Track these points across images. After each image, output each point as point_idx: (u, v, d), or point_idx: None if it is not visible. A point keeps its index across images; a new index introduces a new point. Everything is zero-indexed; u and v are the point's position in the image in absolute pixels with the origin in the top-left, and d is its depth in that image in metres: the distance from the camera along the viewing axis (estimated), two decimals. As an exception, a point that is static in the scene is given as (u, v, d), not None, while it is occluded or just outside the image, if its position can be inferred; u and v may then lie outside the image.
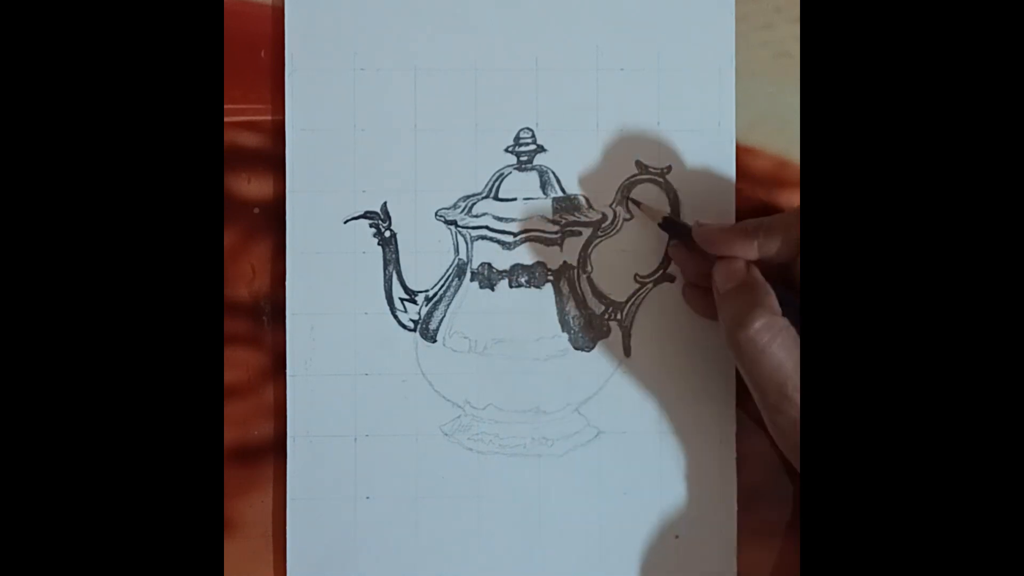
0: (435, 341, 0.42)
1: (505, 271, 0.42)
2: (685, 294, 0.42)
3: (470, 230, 0.42)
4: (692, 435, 0.42)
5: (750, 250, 0.38)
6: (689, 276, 0.41)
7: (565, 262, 0.42)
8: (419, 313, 0.42)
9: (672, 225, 0.41)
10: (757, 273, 0.38)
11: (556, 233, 0.42)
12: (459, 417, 0.42)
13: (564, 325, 0.42)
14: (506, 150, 0.42)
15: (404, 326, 0.42)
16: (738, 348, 0.37)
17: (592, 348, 0.42)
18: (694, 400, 0.42)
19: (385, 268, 0.42)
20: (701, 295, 0.41)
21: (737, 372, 0.42)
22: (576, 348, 0.42)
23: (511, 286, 0.42)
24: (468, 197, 0.42)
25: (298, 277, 0.42)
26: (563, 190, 0.42)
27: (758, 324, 0.36)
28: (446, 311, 0.42)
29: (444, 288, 0.42)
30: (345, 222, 0.42)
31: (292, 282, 0.42)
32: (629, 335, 0.42)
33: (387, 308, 0.42)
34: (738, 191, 0.43)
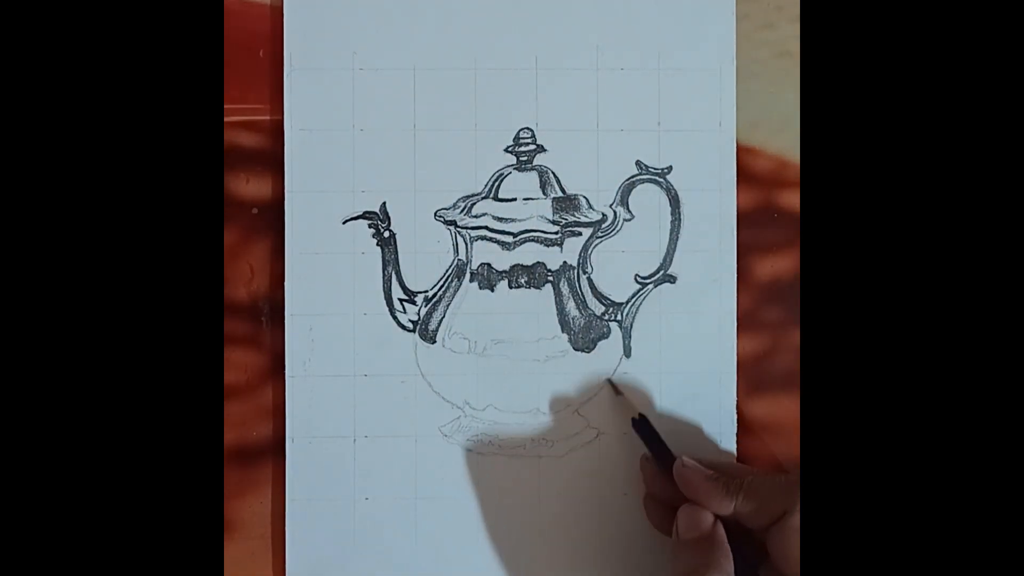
0: (434, 342, 0.42)
1: (505, 271, 0.42)
2: (645, 504, 0.40)
3: (470, 230, 0.42)
4: (692, 435, 0.42)
5: (726, 507, 0.37)
6: (652, 489, 0.40)
7: (565, 262, 0.42)
8: (418, 314, 0.42)
9: (643, 429, 0.40)
10: (721, 532, 0.36)
11: (556, 233, 0.42)
12: (458, 418, 0.42)
13: (564, 326, 0.42)
14: (506, 150, 0.42)
15: (403, 327, 0.42)
16: None
17: (592, 349, 0.42)
18: (694, 400, 0.42)
19: (384, 268, 0.42)
20: (663, 511, 0.40)
21: (738, 372, 0.42)
22: (576, 349, 0.42)
23: (511, 287, 0.42)
24: (468, 197, 0.42)
25: (297, 277, 0.42)
26: (563, 190, 0.42)
27: None
28: (445, 312, 0.42)
29: (443, 289, 0.42)
30: (344, 222, 0.42)
31: (291, 282, 0.42)
32: (629, 335, 0.42)
33: (386, 309, 0.42)
34: (739, 191, 0.43)
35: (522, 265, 0.42)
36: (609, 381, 0.42)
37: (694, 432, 0.42)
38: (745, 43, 0.43)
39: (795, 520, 0.35)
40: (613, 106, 0.42)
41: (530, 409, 0.42)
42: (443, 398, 0.42)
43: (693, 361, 0.42)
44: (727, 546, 0.36)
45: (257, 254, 0.42)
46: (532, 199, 0.42)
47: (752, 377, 0.43)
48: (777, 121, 0.43)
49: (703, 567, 0.35)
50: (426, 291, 0.42)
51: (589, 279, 0.42)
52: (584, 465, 0.42)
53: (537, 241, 0.42)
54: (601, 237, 0.42)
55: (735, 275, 0.42)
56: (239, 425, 0.42)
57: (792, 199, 0.43)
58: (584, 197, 0.42)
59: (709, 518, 0.37)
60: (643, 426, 0.40)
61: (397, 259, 0.42)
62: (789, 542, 0.35)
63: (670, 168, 0.42)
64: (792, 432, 0.43)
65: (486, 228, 0.42)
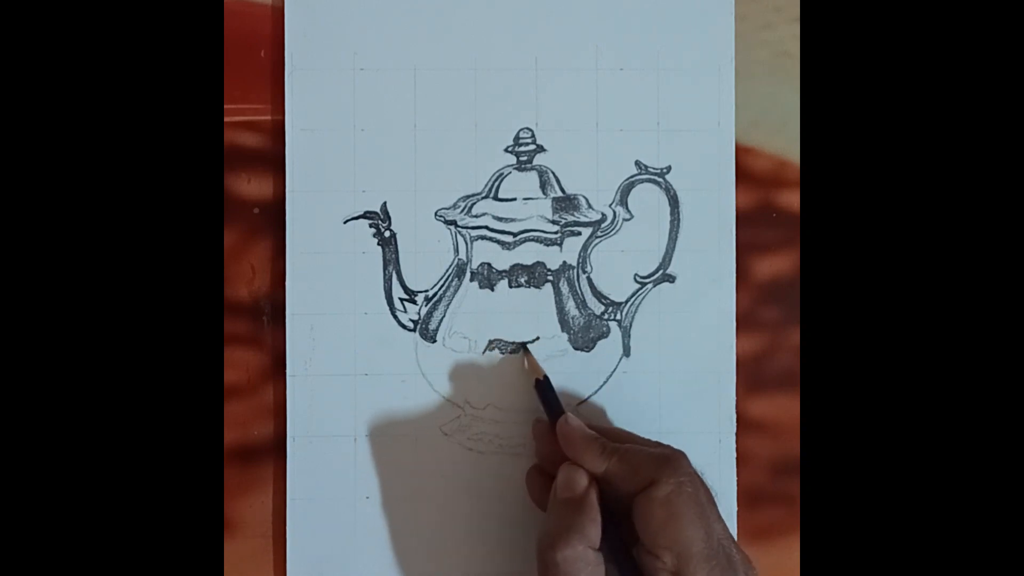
0: (435, 341, 0.42)
1: (505, 271, 0.42)
2: (528, 476, 0.40)
3: (470, 230, 0.42)
4: (692, 435, 0.42)
5: (599, 466, 0.36)
6: (540, 457, 0.40)
7: (565, 262, 0.42)
8: (419, 313, 0.42)
9: (545, 391, 0.40)
10: (592, 497, 0.35)
11: (556, 233, 0.42)
12: (459, 417, 0.42)
13: (564, 325, 0.42)
14: (506, 150, 0.42)
15: (404, 326, 0.42)
16: (543, 567, 0.34)
17: (592, 348, 0.42)
18: (694, 400, 0.42)
19: (385, 268, 0.42)
20: (541, 483, 0.39)
21: (737, 372, 0.42)
22: (576, 348, 0.42)
23: (511, 286, 0.42)
24: (468, 197, 0.42)
25: (298, 277, 0.42)
26: (563, 190, 0.42)
27: (568, 551, 0.34)
28: (446, 311, 0.42)
29: (444, 288, 0.42)
30: (345, 222, 0.42)
31: (292, 282, 0.42)
32: (629, 335, 0.42)
33: (387, 308, 0.42)
34: (738, 191, 0.43)
35: (522, 265, 0.42)
36: (523, 346, 0.42)
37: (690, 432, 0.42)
38: (744, 43, 0.43)
39: (659, 491, 0.34)
40: (613, 106, 0.42)
41: (530, 408, 0.42)
42: (443, 397, 0.42)
43: (692, 360, 0.42)
44: (597, 511, 0.35)
45: (258, 254, 0.42)
46: (532, 199, 0.42)
47: (751, 376, 0.43)
48: (776, 121, 0.43)
49: (568, 529, 0.34)
50: (426, 290, 0.42)
51: (589, 279, 0.42)
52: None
53: (537, 241, 0.42)
54: (600, 237, 0.42)
55: (734, 275, 0.42)
56: (240, 425, 0.42)
57: (791, 199, 0.43)
58: (584, 197, 0.42)
59: (583, 480, 0.36)
60: (545, 388, 0.40)
61: (398, 259, 0.42)
62: (649, 511, 0.34)
63: (669, 168, 0.42)
64: (792, 432, 0.43)
65: (486, 228, 0.42)
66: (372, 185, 0.42)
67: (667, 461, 0.35)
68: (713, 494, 0.36)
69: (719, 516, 0.35)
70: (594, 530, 0.35)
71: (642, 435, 0.40)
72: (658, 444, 0.38)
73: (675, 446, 0.41)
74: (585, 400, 0.42)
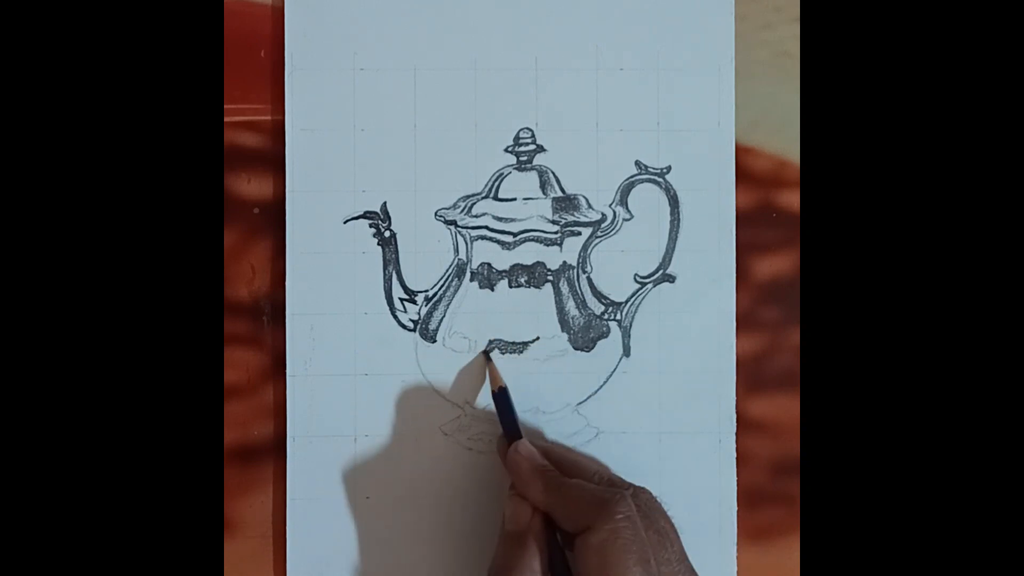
0: (435, 341, 0.42)
1: (505, 271, 0.42)
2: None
3: (470, 230, 0.42)
4: (692, 435, 0.42)
5: (540, 502, 0.35)
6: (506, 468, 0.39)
7: (565, 262, 0.42)
8: (419, 313, 0.42)
9: (502, 404, 0.40)
10: (538, 530, 0.35)
11: (556, 233, 0.42)
12: (459, 417, 0.42)
13: (564, 325, 0.42)
14: (506, 150, 0.42)
15: (404, 326, 0.42)
16: None
17: (592, 348, 0.42)
18: (694, 400, 0.42)
19: (385, 268, 0.42)
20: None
21: (737, 372, 0.42)
22: (576, 348, 0.42)
23: (511, 286, 0.42)
24: (468, 197, 0.42)
25: (298, 277, 0.42)
26: (563, 190, 0.42)
27: None
28: (446, 311, 0.42)
29: (444, 288, 0.42)
30: (345, 222, 0.42)
31: (292, 282, 0.42)
32: (629, 335, 0.42)
33: (387, 308, 0.42)
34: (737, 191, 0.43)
35: (522, 265, 0.42)
36: (485, 353, 0.41)
37: (691, 434, 0.42)
38: (744, 43, 0.43)
39: (593, 537, 0.32)
40: (613, 106, 0.42)
41: (530, 408, 0.42)
42: (443, 397, 0.42)
43: (692, 360, 0.42)
44: (540, 545, 0.35)
45: (258, 254, 0.42)
46: (532, 199, 0.42)
47: (751, 376, 0.43)
48: (776, 121, 0.43)
49: (514, 562, 0.34)
50: (426, 290, 0.42)
51: (589, 279, 0.42)
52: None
53: (537, 241, 0.42)
54: (600, 237, 0.42)
55: (734, 275, 0.42)
56: (240, 425, 0.42)
57: (791, 199, 0.43)
58: (584, 197, 0.42)
59: (526, 513, 0.35)
60: (502, 400, 0.40)
61: (398, 258, 0.42)
62: (584, 556, 0.33)
63: (669, 168, 0.42)
64: (792, 431, 0.43)
65: (486, 228, 0.42)
66: (372, 185, 0.42)
67: (604, 506, 0.33)
68: (675, 526, 0.35)
69: (676, 554, 0.34)
70: (538, 563, 0.34)
71: (642, 435, 0.40)
72: (612, 481, 0.36)
73: (675, 446, 0.41)
74: (585, 400, 0.42)
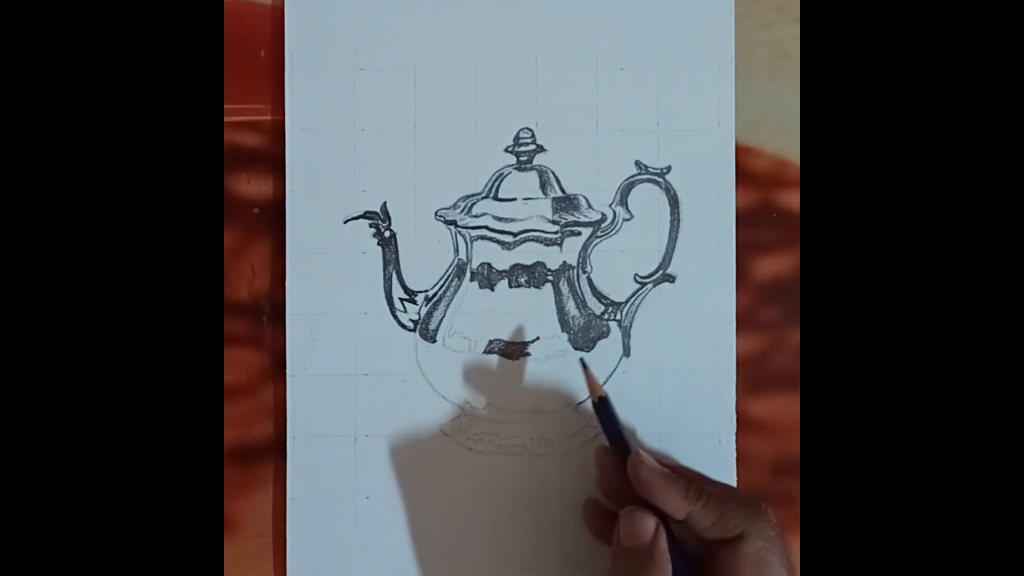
0: (435, 341, 0.42)
1: (505, 271, 0.42)
2: (585, 507, 0.39)
3: (470, 230, 0.42)
4: (692, 435, 0.42)
5: (680, 511, 0.34)
6: (602, 487, 0.39)
7: (565, 262, 0.42)
8: (419, 313, 0.42)
9: (605, 413, 0.39)
10: (662, 544, 0.34)
11: (556, 233, 0.42)
12: (459, 417, 0.42)
13: (564, 325, 0.42)
14: (506, 150, 0.42)
15: (404, 326, 0.42)
16: None
17: (592, 348, 0.42)
18: (694, 400, 0.42)
19: (385, 268, 0.42)
20: (602, 516, 0.38)
21: (737, 372, 0.42)
22: (576, 348, 0.42)
23: (511, 286, 0.42)
24: (468, 197, 0.42)
25: (298, 277, 0.42)
26: (563, 190, 0.42)
27: None
28: (446, 311, 0.42)
29: (444, 288, 0.42)
30: (345, 222, 0.42)
31: (292, 282, 0.42)
32: (629, 335, 0.42)
33: (387, 308, 0.42)
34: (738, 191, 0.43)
35: (522, 265, 0.42)
36: (581, 360, 0.41)
37: (689, 432, 0.42)
38: (744, 43, 0.43)
39: (750, 546, 0.32)
40: (613, 106, 0.42)
41: (530, 408, 0.42)
42: (443, 397, 0.42)
43: (692, 360, 0.42)
44: (668, 560, 0.33)
45: (258, 254, 0.42)
46: (532, 199, 0.42)
47: (751, 376, 0.43)
48: (776, 121, 0.43)
49: None
50: (426, 290, 0.42)
51: (589, 279, 0.42)
52: (584, 464, 0.42)
53: (537, 241, 0.42)
54: (600, 237, 0.42)
55: (734, 275, 0.42)
56: (240, 424, 0.42)
57: (791, 199, 0.43)
58: (584, 197, 0.42)
59: (651, 526, 0.34)
60: (604, 409, 0.39)
61: (398, 258, 0.42)
62: (738, 565, 0.32)
63: (669, 168, 0.42)
64: (792, 432, 0.43)
65: (486, 228, 0.42)
66: (372, 185, 0.42)
67: (758, 513, 0.33)
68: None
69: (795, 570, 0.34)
70: None
71: (641, 435, 0.40)
72: (722, 485, 0.36)
73: (675, 446, 0.41)
74: (585, 400, 0.42)
